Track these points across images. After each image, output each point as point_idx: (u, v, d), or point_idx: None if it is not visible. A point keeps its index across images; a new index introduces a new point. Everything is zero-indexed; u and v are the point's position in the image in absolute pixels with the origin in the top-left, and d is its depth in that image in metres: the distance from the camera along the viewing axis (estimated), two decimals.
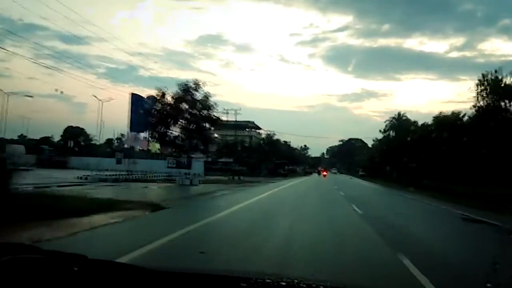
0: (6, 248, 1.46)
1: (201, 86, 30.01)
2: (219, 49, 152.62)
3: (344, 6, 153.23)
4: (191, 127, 30.18)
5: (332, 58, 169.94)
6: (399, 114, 72.82)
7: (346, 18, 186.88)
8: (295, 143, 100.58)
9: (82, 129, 69.28)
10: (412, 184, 38.65)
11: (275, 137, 73.56)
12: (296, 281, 1.48)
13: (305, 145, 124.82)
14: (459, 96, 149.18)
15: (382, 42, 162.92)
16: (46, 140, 64.21)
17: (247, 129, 77.09)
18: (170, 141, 30.69)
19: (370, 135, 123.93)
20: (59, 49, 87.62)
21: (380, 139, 68.90)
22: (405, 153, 40.10)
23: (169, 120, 29.61)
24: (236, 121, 64.97)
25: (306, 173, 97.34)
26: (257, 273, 1.64)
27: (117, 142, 73.37)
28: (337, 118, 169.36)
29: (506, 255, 6.97)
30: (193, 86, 29.83)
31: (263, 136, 77.51)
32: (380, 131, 70.47)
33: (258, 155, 63.09)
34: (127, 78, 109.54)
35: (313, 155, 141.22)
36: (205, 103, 30.12)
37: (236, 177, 44.08)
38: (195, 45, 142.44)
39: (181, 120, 29.99)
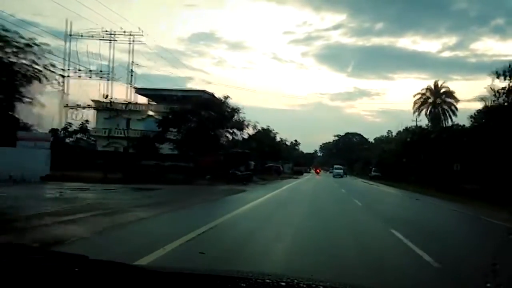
0: (8, 248, 1.47)
1: None
2: (212, 47, 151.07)
3: (338, 4, 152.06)
4: None
5: (325, 57, 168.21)
6: (435, 84, 53.72)
7: (339, 17, 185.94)
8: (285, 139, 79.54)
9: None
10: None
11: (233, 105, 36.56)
12: (296, 281, 1.48)
13: (295, 140, 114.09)
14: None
15: (375, 41, 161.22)
16: None
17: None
18: None
19: (364, 134, 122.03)
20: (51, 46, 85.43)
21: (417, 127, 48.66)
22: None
23: None
24: (150, 87, 41.74)
25: (295, 173, 72.14)
26: (257, 273, 1.64)
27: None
28: (330, 117, 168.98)
29: None
30: None
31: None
32: (415, 122, 50.38)
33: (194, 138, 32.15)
34: (117, 75, 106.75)
35: (305, 151, 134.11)
36: None
37: (68, 191, 16.98)
38: (187, 42, 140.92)
39: None
